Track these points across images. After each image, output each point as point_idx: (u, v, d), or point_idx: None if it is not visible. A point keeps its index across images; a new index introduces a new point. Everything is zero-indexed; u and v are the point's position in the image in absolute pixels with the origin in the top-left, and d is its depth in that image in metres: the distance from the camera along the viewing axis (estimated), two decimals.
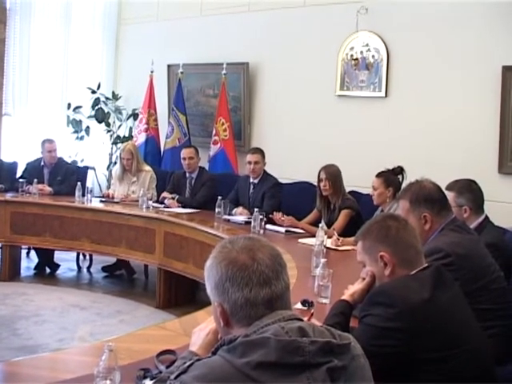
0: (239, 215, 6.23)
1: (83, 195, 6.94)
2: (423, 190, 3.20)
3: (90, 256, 7.59)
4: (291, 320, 1.59)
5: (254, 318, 1.60)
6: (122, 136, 8.99)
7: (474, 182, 4.20)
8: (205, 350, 1.97)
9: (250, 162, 6.45)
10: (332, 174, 5.68)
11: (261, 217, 5.50)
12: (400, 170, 5.28)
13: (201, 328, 2.09)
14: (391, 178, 5.23)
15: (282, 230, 5.65)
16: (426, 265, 2.37)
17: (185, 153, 6.94)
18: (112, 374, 1.98)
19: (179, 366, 1.79)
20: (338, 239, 5.03)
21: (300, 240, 5.31)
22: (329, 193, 5.70)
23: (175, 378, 1.51)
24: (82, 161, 8.71)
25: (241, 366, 1.46)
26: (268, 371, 1.45)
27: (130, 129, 9.03)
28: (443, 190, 3.41)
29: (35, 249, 7.47)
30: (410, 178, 3.41)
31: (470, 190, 4.09)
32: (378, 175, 5.28)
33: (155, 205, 6.78)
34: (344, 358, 1.56)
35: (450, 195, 3.94)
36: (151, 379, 2.12)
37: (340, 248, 4.93)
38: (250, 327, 1.58)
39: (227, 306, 1.63)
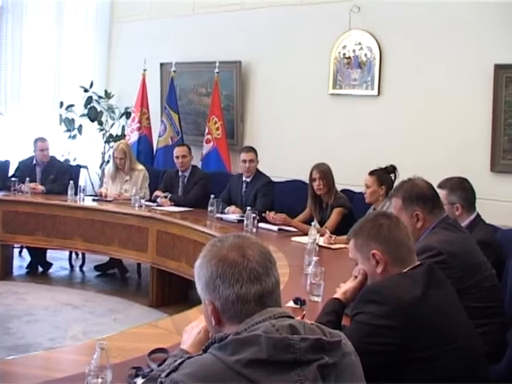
0: (232, 214, 6.23)
1: (76, 194, 6.91)
2: (415, 188, 3.20)
3: (83, 255, 7.58)
4: (282, 317, 1.59)
5: (244, 315, 1.60)
6: (114, 135, 8.98)
7: (466, 180, 4.20)
8: (196, 348, 1.98)
9: (244, 161, 6.45)
10: (325, 172, 5.68)
11: (253, 215, 5.50)
12: (393, 169, 5.28)
13: (192, 326, 2.10)
14: (384, 176, 5.24)
15: (275, 228, 5.65)
16: (418, 263, 2.37)
17: (178, 151, 6.93)
18: (104, 373, 1.98)
19: (170, 364, 1.80)
20: (331, 237, 5.03)
21: (293, 238, 5.31)
22: (323, 192, 5.70)
23: (166, 376, 1.51)
24: (74, 159, 8.69)
25: (232, 364, 1.46)
26: (259, 369, 1.45)
27: (123, 127, 9.02)
28: (435, 188, 3.42)
29: (27, 248, 7.45)
30: (402, 176, 3.43)
31: (462, 188, 4.10)
32: (371, 173, 5.28)
33: (148, 203, 6.76)
34: (335, 355, 1.56)
35: (442, 193, 3.95)
36: (143, 378, 2.11)
37: (332, 246, 4.93)
38: (241, 325, 1.58)
39: (218, 303, 1.63)
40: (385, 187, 5.18)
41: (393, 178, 5.26)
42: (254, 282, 1.61)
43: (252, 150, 6.50)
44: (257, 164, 6.47)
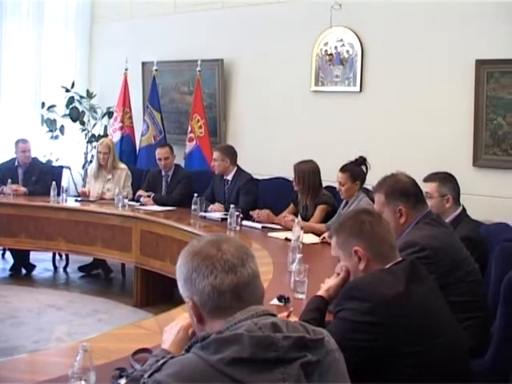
0: (214, 212, 6.22)
1: (58, 195, 6.87)
2: (398, 183, 3.21)
3: (67, 256, 7.54)
4: (264, 315, 1.60)
5: (223, 310, 1.61)
6: (97, 135, 8.93)
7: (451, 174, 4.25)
8: (176, 346, 1.99)
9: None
10: (299, 170, 5.70)
11: (237, 213, 5.50)
12: (362, 160, 5.28)
13: (172, 326, 2.11)
14: (356, 170, 5.26)
15: (259, 226, 5.66)
16: (401, 259, 2.37)
17: (160, 153, 6.89)
18: (87, 375, 1.97)
19: (152, 364, 1.79)
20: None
21: (269, 234, 5.33)
22: (298, 189, 5.74)
23: (149, 376, 1.51)
24: (56, 160, 8.64)
25: (214, 363, 1.46)
26: (242, 367, 1.45)
27: (105, 127, 8.98)
28: (420, 183, 3.43)
29: (10, 250, 7.38)
30: (384, 171, 3.40)
31: (451, 181, 4.14)
32: (343, 170, 5.27)
33: (131, 203, 6.74)
34: (318, 352, 1.57)
35: (431, 186, 4.00)
36: (127, 378, 2.10)
37: (317, 240, 4.97)
38: (223, 324, 1.58)
39: (196, 297, 1.65)
40: (359, 182, 5.23)
41: (364, 169, 5.27)
42: (228, 273, 1.62)
43: (217, 149, 6.55)
44: (226, 163, 6.39)
